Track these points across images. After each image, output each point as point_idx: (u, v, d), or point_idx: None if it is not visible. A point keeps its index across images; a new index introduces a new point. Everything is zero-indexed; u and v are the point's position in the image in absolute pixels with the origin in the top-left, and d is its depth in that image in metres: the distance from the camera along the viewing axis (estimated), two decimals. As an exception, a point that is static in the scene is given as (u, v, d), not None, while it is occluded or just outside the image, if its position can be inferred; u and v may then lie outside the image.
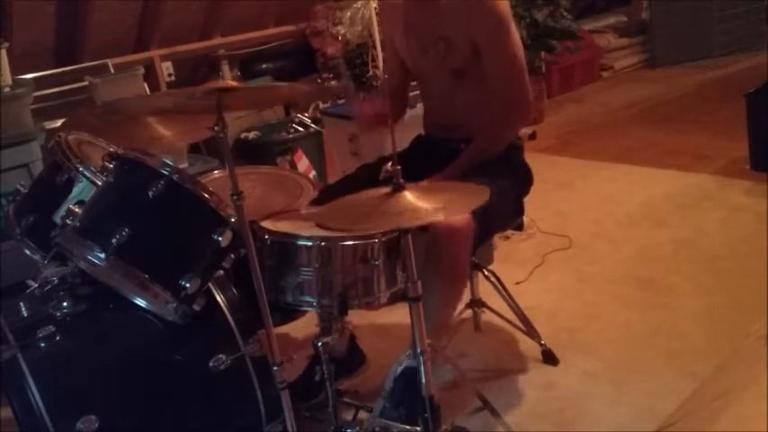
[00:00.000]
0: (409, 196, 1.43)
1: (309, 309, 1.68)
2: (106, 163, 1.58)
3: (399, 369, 1.70)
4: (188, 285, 1.49)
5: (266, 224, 1.70)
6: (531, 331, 2.24)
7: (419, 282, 1.47)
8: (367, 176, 1.93)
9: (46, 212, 1.73)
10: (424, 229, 1.75)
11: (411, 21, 2.04)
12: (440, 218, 1.41)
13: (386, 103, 2.09)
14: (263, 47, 4.36)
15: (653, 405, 1.96)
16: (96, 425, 1.43)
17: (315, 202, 1.86)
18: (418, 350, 1.49)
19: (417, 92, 2.28)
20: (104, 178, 1.59)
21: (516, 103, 1.97)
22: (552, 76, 5.33)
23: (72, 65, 3.49)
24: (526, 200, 2.11)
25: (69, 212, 1.54)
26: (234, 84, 2.10)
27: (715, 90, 5.14)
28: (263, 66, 4.38)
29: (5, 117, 2.61)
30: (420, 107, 2.28)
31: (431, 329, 1.68)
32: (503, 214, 1.97)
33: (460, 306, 2.12)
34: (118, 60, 3.62)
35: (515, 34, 1.93)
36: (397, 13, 2.10)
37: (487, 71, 1.94)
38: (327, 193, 1.92)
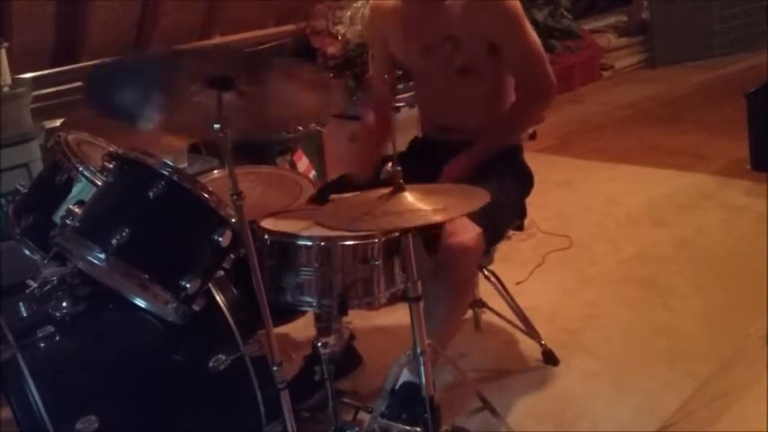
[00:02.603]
0: (409, 197, 1.42)
1: (309, 309, 1.68)
2: (106, 163, 1.58)
3: (398, 383, 1.71)
4: (188, 286, 1.49)
5: (266, 224, 1.69)
6: (531, 331, 2.23)
7: (419, 282, 1.47)
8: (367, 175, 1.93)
9: (45, 212, 1.72)
10: (424, 230, 1.75)
11: (411, 23, 2.03)
12: (439, 220, 1.41)
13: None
14: (263, 46, 4.35)
15: (653, 405, 1.96)
16: (96, 425, 1.43)
17: (312, 200, 1.86)
18: (418, 350, 1.49)
19: (411, 93, 2.28)
20: (104, 178, 1.59)
21: (541, 88, 2.03)
22: (552, 75, 5.33)
23: (71, 64, 3.49)
24: (526, 200, 2.11)
25: (69, 212, 1.54)
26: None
27: (715, 90, 5.14)
28: (263, 65, 4.37)
29: (5, 116, 2.61)
30: (414, 109, 2.28)
31: (437, 339, 1.69)
32: (507, 219, 1.98)
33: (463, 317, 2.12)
34: (117, 60, 3.62)
35: (529, 25, 1.96)
36: (391, 15, 2.09)
37: (508, 64, 1.98)
38: (325, 191, 1.92)
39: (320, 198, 1.86)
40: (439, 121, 2.15)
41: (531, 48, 1.96)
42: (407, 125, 2.28)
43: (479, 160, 1.94)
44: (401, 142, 2.20)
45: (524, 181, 2.07)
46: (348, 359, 2.07)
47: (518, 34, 1.94)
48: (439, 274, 1.75)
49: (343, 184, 2.06)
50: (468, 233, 1.73)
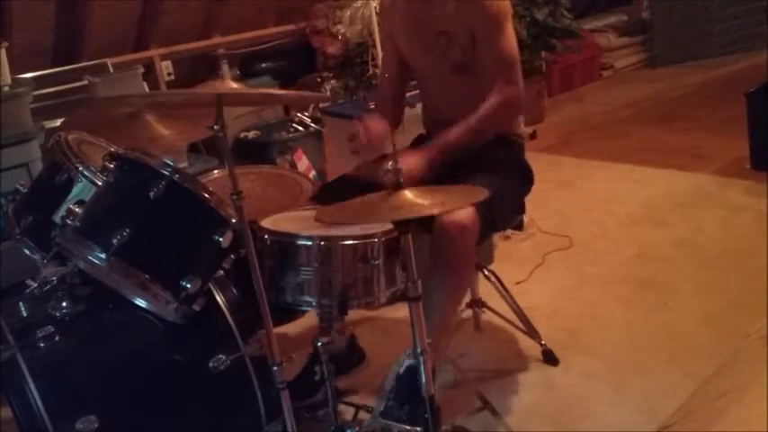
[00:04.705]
0: (408, 194, 1.43)
1: (309, 309, 1.68)
2: (106, 163, 1.58)
3: (402, 369, 1.70)
4: (188, 286, 1.49)
5: (266, 224, 1.69)
6: (531, 331, 2.23)
7: (419, 281, 1.47)
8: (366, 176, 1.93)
9: (45, 212, 1.72)
10: (425, 229, 1.75)
11: (412, 18, 2.04)
12: (437, 211, 1.40)
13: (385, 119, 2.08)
14: (263, 46, 4.36)
15: (653, 405, 1.96)
16: (96, 425, 1.43)
17: (313, 199, 1.86)
18: (418, 350, 1.49)
19: (417, 91, 2.28)
20: (104, 178, 1.59)
21: (505, 94, 1.96)
22: (552, 75, 5.33)
23: (71, 64, 3.49)
24: (526, 199, 2.11)
25: (69, 212, 1.54)
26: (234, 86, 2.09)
27: (715, 90, 5.14)
28: (263, 65, 4.38)
29: (5, 116, 2.61)
30: (419, 107, 2.28)
31: (434, 329, 1.68)
32: (505, 210, 1.97)
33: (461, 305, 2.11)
34: (117, 60, 3.62)
35: (510, 31, 1.94)
36: (395, 12, 2.10)
37: (480, 60, 1.96)
38: (326, 191, 1.92)
39: (320, 198, 1.86)
40: (439, 116, 2.15)
41: (503, 51, 1.94)
42: (410, 124, 2.28)
43: (435, 158, 1.86)
44: (405, 140, 2.21)
45: (524, 177, 2.07)
46: (352, 356, 2.07)
47: (494, 34, 1.92)
48: (435, 256, 1.73)
49: (345, 184, 2.07)
50: (463, 210, 1.71)
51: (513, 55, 1.95)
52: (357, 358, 2.10)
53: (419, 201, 1.41)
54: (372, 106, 3.32)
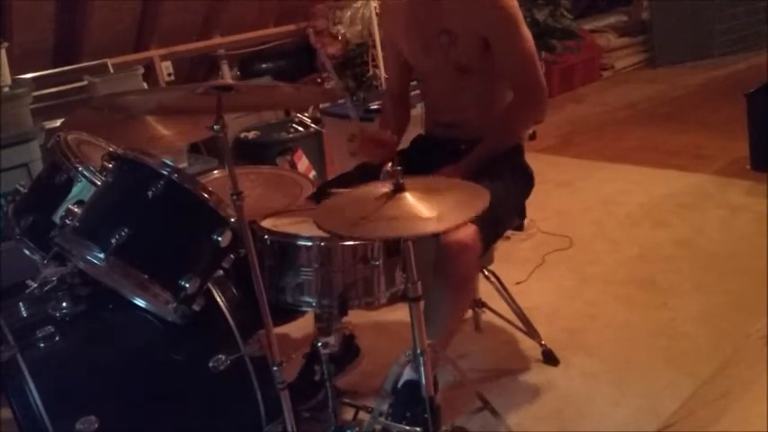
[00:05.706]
0: (409, 199, 1.41)
1: (309, 309, 1.68)
2: (105, 163, 1.58)
3: (401, 381, 1.70)
4: (187, 285, 1.49)
5: (266, 224, 1.69)
6: (531, 331, 2.23)
7: (419, 282, 1.46)
8: (366, 175, 1.93)
9: (45, 212, 1.72)
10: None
11: (413, 18, 2.04)
12: (436, 230, 1.40)
13: (387, 132, 2.08)
14: (263, 46, 4.35)
15: (653, 405, 1.96)
16: (96, 425, 1.43)
17: (311, 199, 1.86)
18: (418, 350, 1.49)
19: (417, 92, 2.28)
20: (104, 178, 1.59)
21: (530, 93, 1.98)
22: (553, 75, 5.33)
23: (71, 64, 3.49)
24: (526, 200, 2.11)
25: (69, 212, 1.54)
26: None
27: (715, 90, 5.14)
28: (263, 65, 4.38)
29: (5, 117, 2.61)
30: (419, 107, 2.28)
31: (440, 339, 1.69)
32: (507, 216, 1.97)
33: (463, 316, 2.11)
34: (117, 60, 3.62)
35: (524, 26, 1.94)
36: (397, 13, 2.10)
37: (499, 64, 1.95)
38: (324, 190, 1.92)
39: (318, 198, 1.85)
40: (441, 118, 2.15)
41: (523, 52, 1.93)
42: (410, 124, 2.28)
43: (470, 170, 1.90)
44: (404, 140, 2.21)
45: (525, 181, 2.07)
46: (347, 353, 2.06)
47: (511, 35, 1.91)
48: (438, 271, 1.74)
49: (343, 183, 2.06)
50: (465, 230, 1.72)
51: (532, 54, 1.94)
52: (351, 354, 2.10)
53: (418, 209, 1.38)
54: (376, 107, 3.33)
